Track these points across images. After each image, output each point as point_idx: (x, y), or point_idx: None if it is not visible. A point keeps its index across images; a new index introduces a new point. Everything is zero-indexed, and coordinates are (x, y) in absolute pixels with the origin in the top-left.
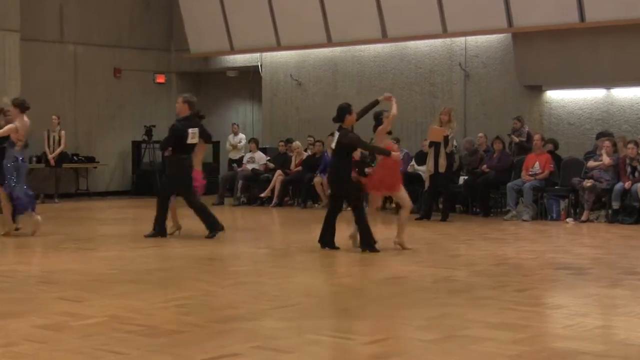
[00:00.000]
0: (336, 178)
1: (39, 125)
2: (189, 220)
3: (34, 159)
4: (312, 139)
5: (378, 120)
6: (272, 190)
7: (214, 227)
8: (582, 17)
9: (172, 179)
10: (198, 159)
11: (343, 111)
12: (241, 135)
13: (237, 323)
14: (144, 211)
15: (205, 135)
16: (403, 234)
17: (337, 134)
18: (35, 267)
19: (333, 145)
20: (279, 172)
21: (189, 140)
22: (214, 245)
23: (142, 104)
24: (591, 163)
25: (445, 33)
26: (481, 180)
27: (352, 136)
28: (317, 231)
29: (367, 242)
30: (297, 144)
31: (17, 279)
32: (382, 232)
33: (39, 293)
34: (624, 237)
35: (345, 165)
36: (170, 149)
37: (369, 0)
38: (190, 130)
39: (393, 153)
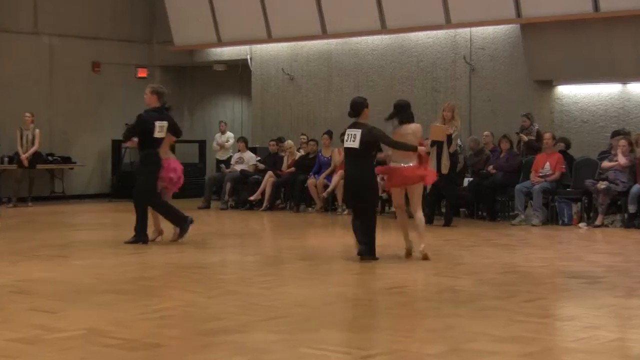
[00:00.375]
0: (363, 181)
1: (11, 123)
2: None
3: (6, 159)
4: (305, 137)
5: (405, 113)
6: (263, 193)
7: (182, 221)
8: (596, 7)
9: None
10: (164, 149)
11: (360, 106)
12: (229, 134)
13: (224, 336)
14: (125, 216)
15: (174, 130)
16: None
17: (352, 131)
18: (7, 275)
19: (353, 143)
20: (269, 173)
21: (156, 134)
22: (199, 252)
23: (122, 100)
24: (606, 164)
25: (448, 24)
26: (487, 182)
27: (378, 132)
28: (310, 237)
29: (372, 250)
30: (289, 143)
31: None
32: (382, 237)
33: (11, 304)
34: None
35: (371, 166)
36: (135, 141)
37: None
38: (157, 123)
39: (421, 147)
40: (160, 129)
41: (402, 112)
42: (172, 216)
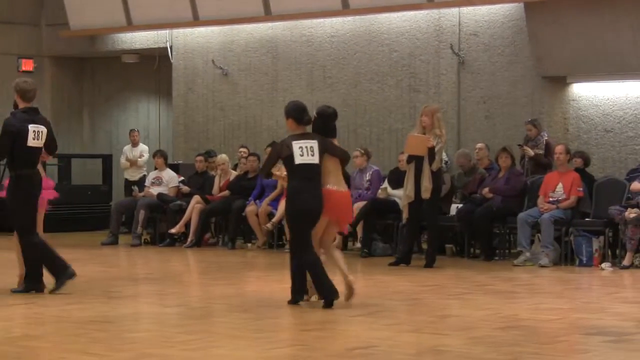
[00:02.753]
0: (320, 209)
1: None
2: (77, 265)
3: None
4: (245, 151)
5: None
6: (187, 224)
7: (61, 272)
8: None
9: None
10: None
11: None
12: (143, 147)
13: None
14: (5, 254)
15: (48, 143)
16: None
17: (306, 143)
18: None
19: (312, 158)
20: (196, 198)
21: (30, 142)
22: (103, 303)
23: (0, 100)
24: (636, 185)
25: (431, 2)
26: (482, 210)
27: (329, 143)
28: (249, 281)
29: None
30: (222, 157)
31: None
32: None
33: None
34: None
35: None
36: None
37: None
38: (31, 127)
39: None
40: (35, 134)
41: (328, 124)
42: (49, 261)
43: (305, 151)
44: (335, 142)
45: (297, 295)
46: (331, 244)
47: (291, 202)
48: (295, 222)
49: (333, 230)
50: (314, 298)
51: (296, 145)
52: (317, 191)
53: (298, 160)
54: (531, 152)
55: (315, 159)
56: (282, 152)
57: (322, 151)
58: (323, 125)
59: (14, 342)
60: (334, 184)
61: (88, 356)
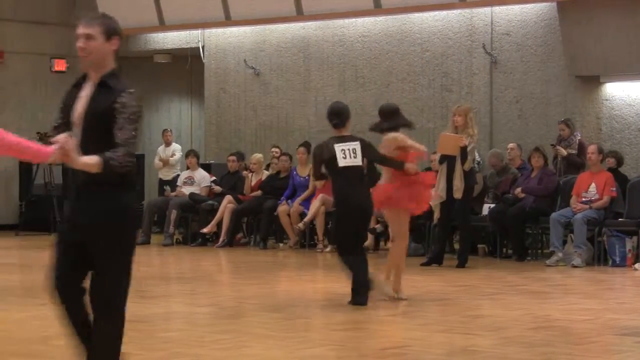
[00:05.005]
0: (370, 210)
1: None
2: None
3: None
4: (278, 150)
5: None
6: (219, 224)
7: None
8: None
9: None
10: None
11: (347, 113)
12: (175, 146)
13: None
14: (37, 254)
15: None
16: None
17: (348, 145)
18: None
19: (355, 160)
20: (228, 198)
21: None
22: (136, 303)
23: (34, 100)
24: None
25: (463, 1)
26: (514, 210)
27: (372, 147)
28: (281, 281)
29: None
30: (257, 157)
31: None
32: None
33: None
34: None
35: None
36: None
37: None
38: None
39: (409, 165)
40: None
41: (391, 119)
42: None
43: (348, 153)
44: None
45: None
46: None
47: (344, 202)
48: (350, 221)
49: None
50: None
51: (338, 148)
52: (366, 191)
53: (342, 162)
54: (564, 152)
55: (358, 161)
56: (323, 155)
57: (364, 153)
58: (386, 120)
59: (48, 342)
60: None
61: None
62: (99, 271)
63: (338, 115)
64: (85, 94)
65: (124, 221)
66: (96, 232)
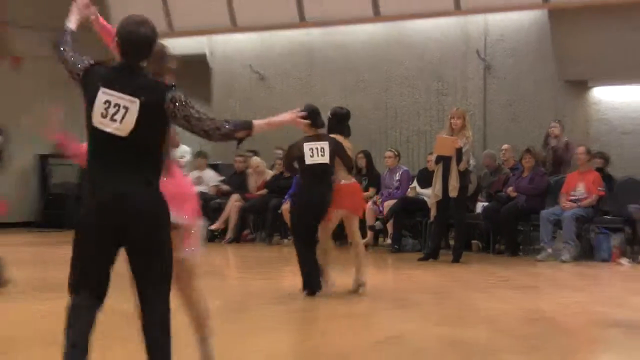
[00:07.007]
0: (328, 204)
1: None
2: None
3: None
4: (281, 152)
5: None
6: (227, 221)
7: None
8: None
9: None
10: None
11: (319, 114)
12: (184, 148)
13: None
14: (55, 249)
15: None
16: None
17: (316, 144)
18: None
19: (322, 158)
20: (235, 196)
21: None
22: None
23: (52, 104)
24: None
25: (458, 9)
26: (506, 208)
27: (340, 146)
28: (285, 275)
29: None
30: (256, 160)
31: None
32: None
33: None
34: None
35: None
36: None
37: None
38: None
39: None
40: None
41: (342, 123)
42: None
43: (316, 152)
44: (347, 142)
45: (315, 286)
46: (358, 234)
47: (299, 197)
48: (299, 216)
49: (353, 222)
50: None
51: (307, 146)
52: (323, 188)
53: (308, 160)
54: (554, 143)
55: (325, 159)
56: (294, 153)
57: (333, 152)
58: (337, 124)
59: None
60: (343, 179)
61: (133, 344)
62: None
63: (319, 115)
64: None
65: None
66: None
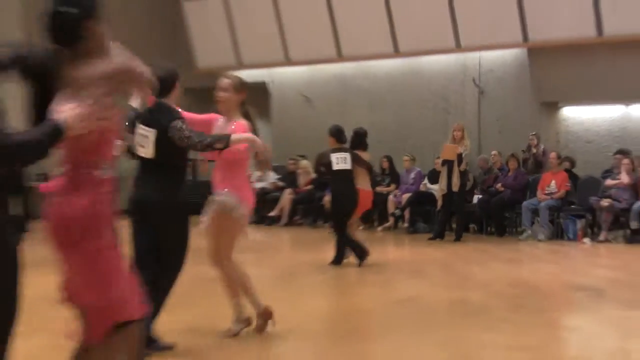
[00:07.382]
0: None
1: None
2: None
3: None
4: None
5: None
6: (282, 210)
7: None
8: (600, 32)
9: None
10: None
11: (343, 132)
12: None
13: (244, 344)
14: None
15: None
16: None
17: (341, 155)
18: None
19: (345, 165)
20: (288, 190)
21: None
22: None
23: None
24: (609, 182)
25: (458, 48)
26: (496, 200)
27: (357, 156)
28: (327, 251)
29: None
30: (304, 162)
31: None
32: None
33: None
34: None
35: None
36: None
37: (381, 14)
38: None
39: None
40: None
41: (361, 140)
42: None
43: (341, 160)
44: (366, 154)
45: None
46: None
47: (337, 195)
48: (340, 209)
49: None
50: None
51: (334, 156)
52: (350, 190)
53: (335, 167)
54: (534, 150)
55: (347, 166)
56: (322, 160)
57: (353, 160)
58: (358, 140)
59: None
60: (361, 185)
61: (209, 300)
62: None
63: (343, 133)
64: None
65: None
66: None
